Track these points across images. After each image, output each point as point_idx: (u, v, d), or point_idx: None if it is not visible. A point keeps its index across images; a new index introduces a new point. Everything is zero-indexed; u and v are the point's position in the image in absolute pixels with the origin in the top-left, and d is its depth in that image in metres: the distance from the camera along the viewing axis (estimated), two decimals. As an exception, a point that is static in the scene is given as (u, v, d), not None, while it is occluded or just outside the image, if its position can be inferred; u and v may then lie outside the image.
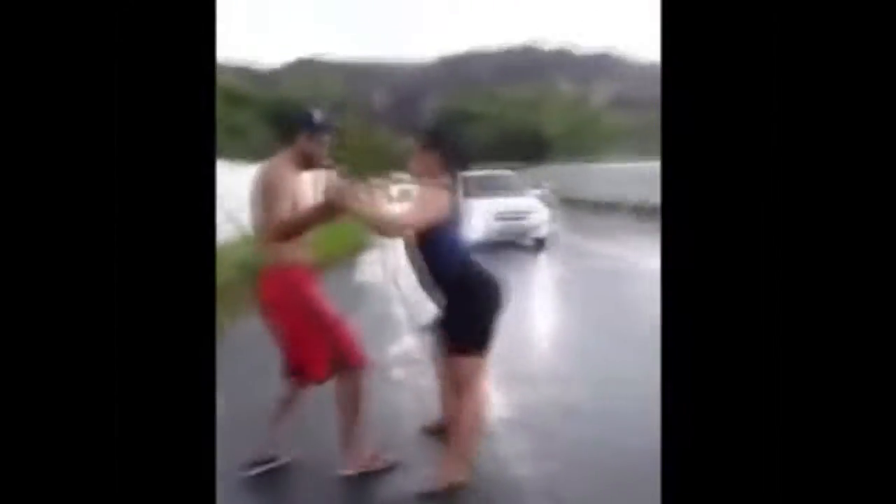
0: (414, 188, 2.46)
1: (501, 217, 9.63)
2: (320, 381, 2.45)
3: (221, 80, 26.22)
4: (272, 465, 2.59)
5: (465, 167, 2.49)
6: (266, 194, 2.33)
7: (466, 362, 2.35)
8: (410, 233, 2.28)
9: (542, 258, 9.15)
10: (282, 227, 2.29)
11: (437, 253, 2.33)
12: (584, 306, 5.85)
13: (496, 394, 3.40)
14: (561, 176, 22.86)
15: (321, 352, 2.39)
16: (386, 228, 2.26)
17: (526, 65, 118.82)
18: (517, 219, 9.76)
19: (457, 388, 2.39)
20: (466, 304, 2.34)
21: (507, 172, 12.51)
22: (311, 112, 2.49)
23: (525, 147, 33.51)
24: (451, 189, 2.36)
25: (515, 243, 9.90)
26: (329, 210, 2.20)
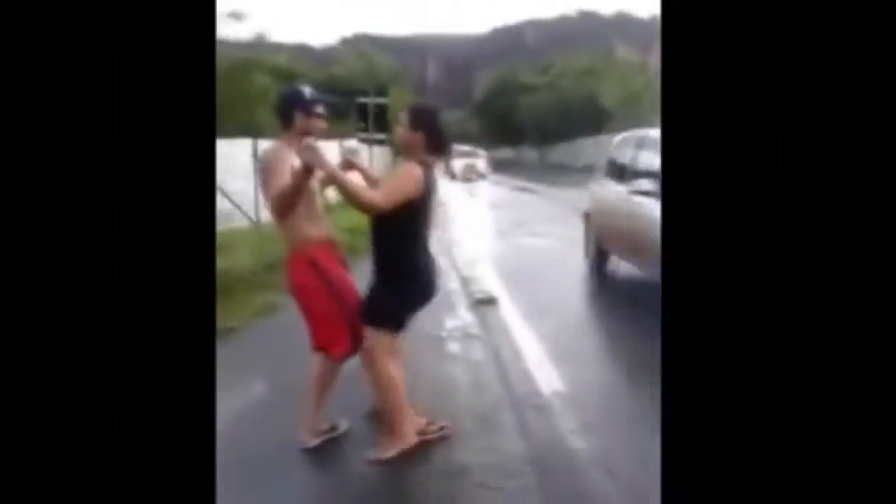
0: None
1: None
2: (340, 359, 2.54)
3: (276, 59, 26.69)
4: (331, 434, 2.67)
5: (446, 152, 2.51)
6: (267, 176, 2.38)
7: (371, 334, 2.43)
8: (382, 209, 2.28)
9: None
10: (273, 202, 2.35)
11: (392, 229, 2.38)
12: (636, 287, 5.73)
13: (552, 369, 3.40)
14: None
15: (342, 330, 2.47)
16: (357, 204, 2.27)
17: (582, 32, 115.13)
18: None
19: (365, 359, 2.49)
20: (392, 284, 2.44)
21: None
22: (299, 89, 2.53)
23: (582, 116, 32.65)
24: (429, 167, 2.41)
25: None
26: (306, 172, 2.22)
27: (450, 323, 4.43)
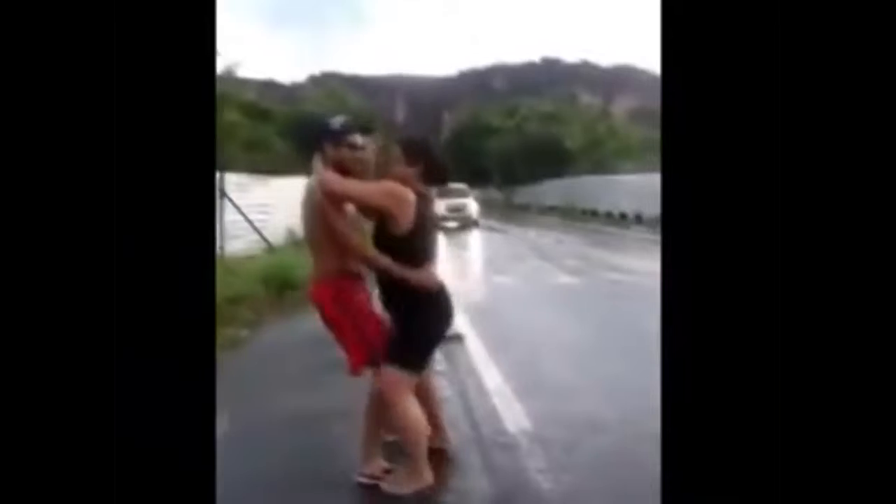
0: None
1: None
2: (355, 373, 2.55)
3: (245, 95, 26.67)
4: (379, 480, 2.55)
5: (444, 182, 2.54)
6: (303, 210, 2.51)
7: (390, 373, 2.39)
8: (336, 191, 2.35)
9: (569, 277, 9.10)
10: (341, 238, 2.40)
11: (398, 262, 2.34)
12: (603, 318, 5.82)
13: (518, 404, 3.40)
14: (581, 188, 22.75)
15: (357, 346, 2.50)
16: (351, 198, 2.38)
17: (547, 78, 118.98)
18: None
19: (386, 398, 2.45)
20: (413, 319, 2.40)
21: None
22: (328, 121, 2.56)
23: (545, 159, 33.48)
24: (425, 198, 2.41)
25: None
26: (333, 202, 2.36)
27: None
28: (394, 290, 2.40)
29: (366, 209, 2.47)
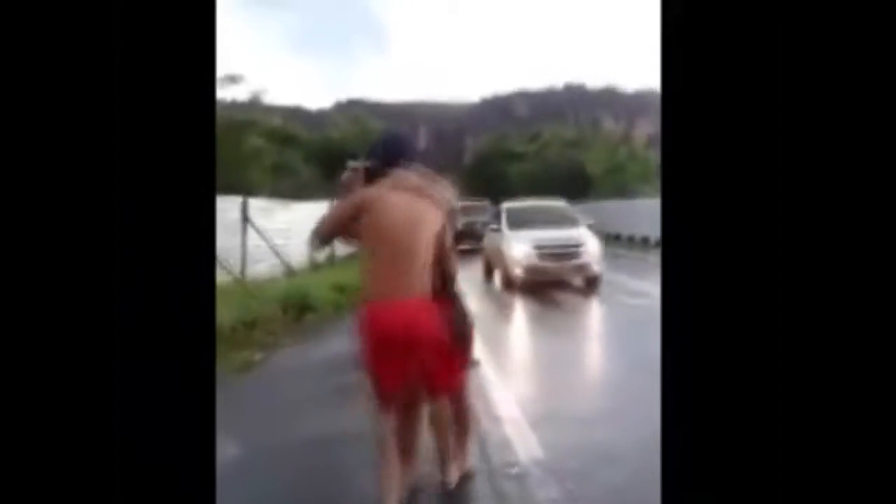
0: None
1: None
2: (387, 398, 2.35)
3: (272, 121, 27.31)
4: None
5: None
6: (422, 221, 2.31)
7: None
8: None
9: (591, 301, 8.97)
10: (320, 224, 2.28)
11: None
12: (623, 344, 5.70)
13: (531, 433, 3.32)
14: (603, 212, 22.66)
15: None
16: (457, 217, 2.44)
17: (569, 104, 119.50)
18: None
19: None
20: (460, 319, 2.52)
21: (558, 203, 11.57)
22: (412, 139, 2.57)
23: (567, 184, 33.46)
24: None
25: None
26: (347, 196, 2.31)
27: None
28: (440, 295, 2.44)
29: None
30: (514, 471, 2.90)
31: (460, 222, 12.88)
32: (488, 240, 10.92)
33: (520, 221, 9.70)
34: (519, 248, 8.94)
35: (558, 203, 11.29)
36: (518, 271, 8.88)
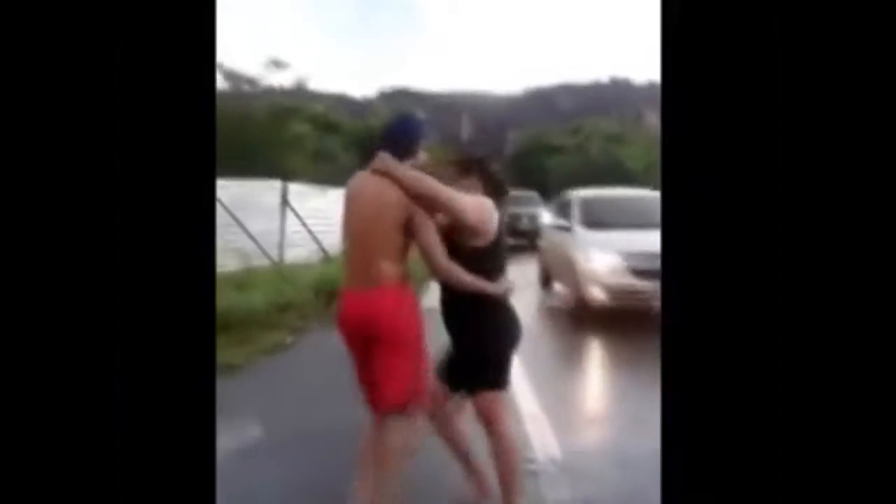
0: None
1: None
2: (386, 409, 2.16)
3: (315, 108, 27.67)
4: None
5: (504, 198, 2.26)
6: (385, 205, 2.08)
7: (493, 396, 2.19)
8: (467, 222, 2.02)
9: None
10: (428, 250, 2.09)
11: (478, 273, 2.09)
12: (648, 343, 5.61)
13: (549, 431, 3.33)
14: (640, 204, 22.24)
15: (408, 377, 2.11)
16: (450, 209, 2.00)
17: (613, 99, 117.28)
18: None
19: (487, 426, 2.22)
20: (487, 334, 2.17)
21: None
22: (423, 124, 2.22)
23: (607, 179, 32.92)
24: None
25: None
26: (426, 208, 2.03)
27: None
28: (461, 306, 2.14)
29: (454, 221, 2.06)
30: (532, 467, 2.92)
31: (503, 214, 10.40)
32: (549, 240, 8.42)
33: (599, 219, 6.76)
34: (600, 258, 5.98)
35: (649, 193, 8.00)
36: (598, 292, 5.95)
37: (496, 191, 2.23)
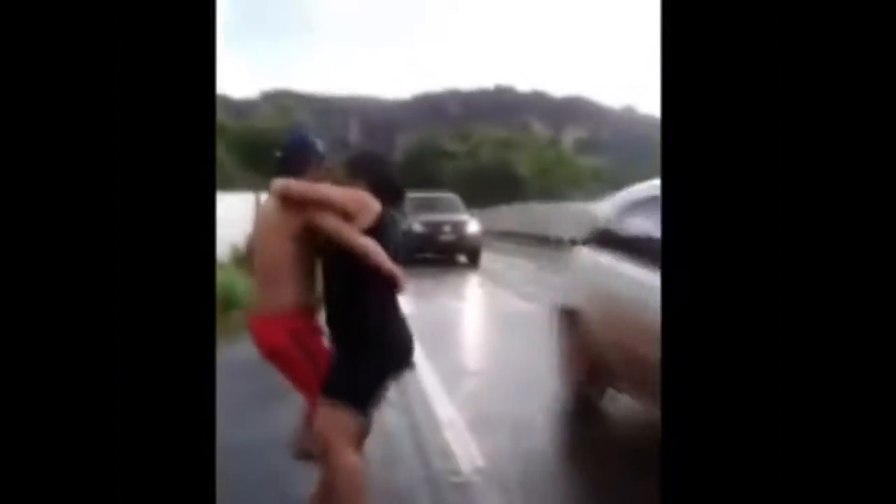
0: None
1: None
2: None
3: (194, 107, 25.98)
4: None
5: (398, 200, 2.27)
6: (269, 232, 2.20)
7: (329, 413, 2.02)
8: (347, 208, 2.06)
9: (510, 296, 9.01)
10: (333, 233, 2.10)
11: (353, 282, 2.08)
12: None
13: (471, 439, 3.22)
14: (532, 214, 23.12)
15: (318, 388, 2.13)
16: (324, 201, 2.07)
17: (499, 106, 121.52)
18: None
19: (321, 443, 2.06)
20: (362, 355, 2.08)
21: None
22: (316, 142, 2.33)
23: (499, 184, 33.93)
24: (390, 219, 2.18)
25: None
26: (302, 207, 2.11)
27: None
28: (345, 324, 2.13)
29: (339, 213, 2.07)
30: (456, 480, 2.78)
31: (417, 222, 10.09)
32: (596, 292, 3.62)
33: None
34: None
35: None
36: None
37: (389, 193, 2.21)
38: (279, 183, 2.14)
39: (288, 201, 2.11)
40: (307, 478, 2.30)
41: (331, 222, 2.05)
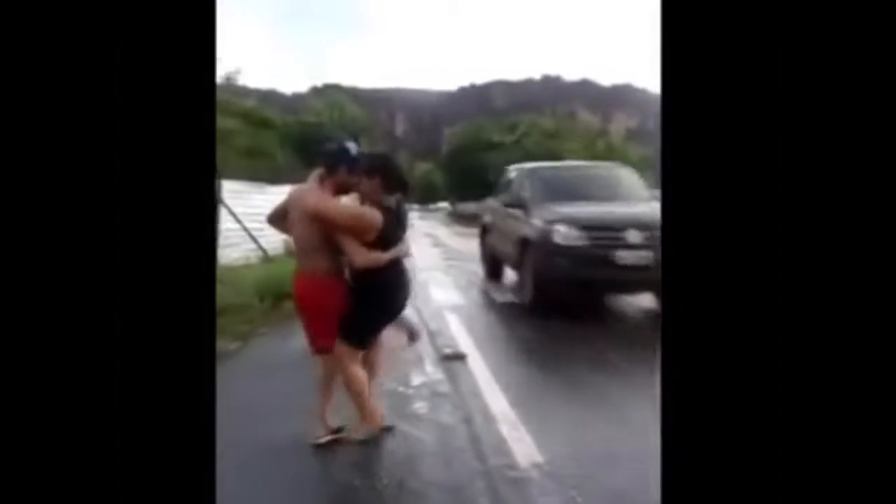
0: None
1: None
2: (315, 353, 3.03)
3: (245, 103, 26.56)
4: (337, 435, 3.02)
5: (405, 189, 2.97)
6: (315, 218, 2.81)
7: (340, 344, 2.91)
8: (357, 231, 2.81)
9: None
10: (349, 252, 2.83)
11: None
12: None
13: (528, 437, 3.14)
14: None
15: (324, 336, 2.93)
16: (341, 226, 2.80)
17: (546, 95, 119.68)
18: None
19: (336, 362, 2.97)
20: (361, 306, 2.89)
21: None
22: (347, 146, 2.88)
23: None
24: (391, 210, 2.86)
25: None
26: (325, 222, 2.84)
27: (416, 380, 4.14)
28: (360, 277, 2.87)
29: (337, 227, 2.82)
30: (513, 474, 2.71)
31: (562, 223, 5.80)
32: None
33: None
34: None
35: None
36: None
37: (397, 185, 2.90)
38: (311, 203, 2.81)
39: (316, 216, 2.80)
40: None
41: (345, 244, 2.80)
